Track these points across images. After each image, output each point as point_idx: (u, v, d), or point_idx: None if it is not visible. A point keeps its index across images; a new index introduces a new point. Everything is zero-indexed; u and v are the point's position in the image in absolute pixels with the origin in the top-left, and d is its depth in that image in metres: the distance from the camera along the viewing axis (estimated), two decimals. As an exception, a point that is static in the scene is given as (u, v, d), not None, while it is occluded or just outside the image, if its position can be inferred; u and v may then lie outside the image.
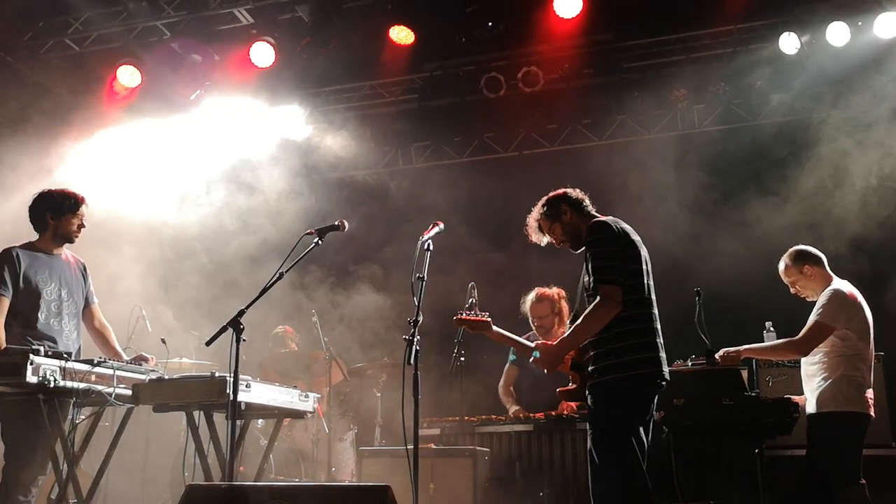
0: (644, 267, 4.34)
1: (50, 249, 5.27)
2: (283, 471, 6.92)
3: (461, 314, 4.89)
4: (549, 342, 4.53)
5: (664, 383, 4.28)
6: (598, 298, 4.21)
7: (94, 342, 5.54)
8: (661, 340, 4.32)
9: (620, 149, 8.91)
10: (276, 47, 8.04)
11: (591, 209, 4.63)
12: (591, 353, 4.32)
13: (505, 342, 5.03)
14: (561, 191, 4.69)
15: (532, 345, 4.65)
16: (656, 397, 4.32)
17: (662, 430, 5.29)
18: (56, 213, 5.24)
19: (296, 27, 8.00)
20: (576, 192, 4.66)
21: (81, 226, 5.32)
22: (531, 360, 4.55)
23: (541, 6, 7.67)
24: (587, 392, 4.36)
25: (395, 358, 7.35)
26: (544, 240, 4.74)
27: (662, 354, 4.30)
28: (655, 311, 4.36)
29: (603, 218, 4.47)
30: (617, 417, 4.19)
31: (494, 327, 4.90)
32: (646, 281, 4.33)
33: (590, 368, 4.32)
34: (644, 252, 4.40)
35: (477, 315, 4.87)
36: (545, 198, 4.71)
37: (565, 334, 4.42)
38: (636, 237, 4.42)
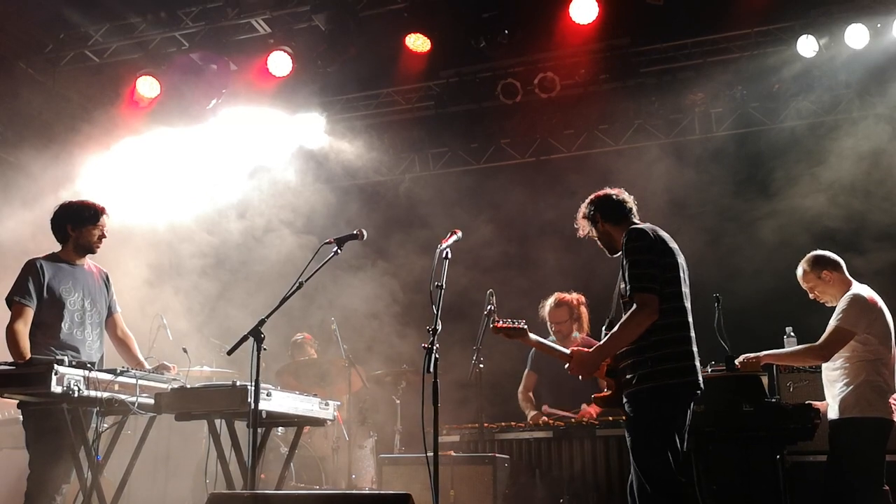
0: (681, 275, 4.35)
1: (72, 260, 5.33)
2: (304, 478, 6.94)
3: (499, 322, 4.87)
4: (586, 349, 4.51)
5: (699, 392, 4.28)
6: (634, 306, 4.20)
7: (116, 351, 5.58)
8: (696, 349, 4.32)
9: (638, 154, 8.89)
10: (293, 56, 8.08)
11: (632, 214, 4.60)
12: (629, 361, 4.30)
13: (541, 349, 4.99)
14: (602, 193, 4.68)
15: (568, 352, 4.62)
16: (692, 405, 4.30)
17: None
18: (76, 224, 5.30)
19: (313, 36, 8.04)
20: (617, 197, 4.63)
21: (102, 236, 5.36)
22: (567, 367, 4.54)
23: (557, 12, 7.66)
24: (624, 399, 4.33)
25: (414, 365, 7.36)
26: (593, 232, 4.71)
27: (697, 363, 4.30)
28: (691, 319, 4.35)
29: (641, 225, 4.47)
30: (655, 425, 4.16)
31: (531, 335, 4.88)
32: (682, 289, 4.34)
33: (627, 376, 4.31)
34: (681, 260, 4.41)
35: (513, 323, 4.86)
36: (589, 198, 4.70)
37: (601, 342, 4.42)
38: (674, 245, 4.42)
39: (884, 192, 7.83)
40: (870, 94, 8.09)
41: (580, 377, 4.48)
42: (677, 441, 4.15)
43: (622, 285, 4.37)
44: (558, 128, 9.16)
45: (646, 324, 4.18)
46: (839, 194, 7.86)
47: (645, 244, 4.29)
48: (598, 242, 4.69)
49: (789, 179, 8.25)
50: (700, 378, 4.27)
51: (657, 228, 4.46)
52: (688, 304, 4.36)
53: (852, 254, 6.08)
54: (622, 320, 4.25)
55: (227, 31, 8.19)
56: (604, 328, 4.49)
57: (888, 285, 5.90)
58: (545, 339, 6.82)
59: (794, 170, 8.28)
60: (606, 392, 4.54)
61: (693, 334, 4.33)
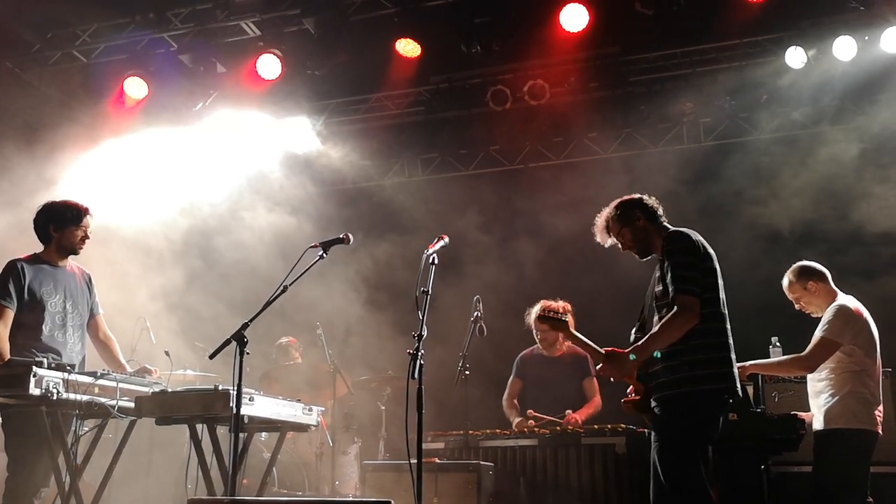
0: (719, 281, 4.30)
1: (55, 261, 5.27)
2: (286, 484, 6.89)
3: (546, 311, 4.85)
4: (620, 350, 4.33)
5: (733, 399, 4.23)
6: (675, 308, 4.12)
7: (98, 353, 5.52)
8: (734, 356, 4.27)
9: (626, 162, 8.90)
10: (282, 60, 8.05)
11: (664, 219, 4.56)
12: (663, 365, 4.21)
13: (578, 344, 4.79)
14: (637, 196, 4.63)
15: (603, 351, 4.43)
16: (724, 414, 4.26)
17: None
18: (59, 224, 5.23)
19: (302, 40, 8.01)
20: (651, 200, 4.60)
21: (85, 237, 5.30)
22: (598, 367, 4.44)
23: (547, 19, 7.65)
24: (654, 403, 4.27)
25: (399, 371, 7.32)
26: (609, 241, 4.65)
27: (735, 370, 4.25)
28: (729, 325, 4.30)
29: (682, 228, 4.41)
30: (686, 431, 4.11)
31: (571, 329, 4.75)
32: (720, 295, 4.29)
33: (660, 380, 4.23)
34: (718, 266, 4.35)
35: (556, 315, 4.77)
36: (618, 200, 4.64)
37: (638, 342, 4.29)
38: (711, 251, 4.36)
39: (870, 200, 7.84)
40: (857, 107, 8.12)
41: (611, 378, 4.37)
42: (709, 450, 4.09)
43: (658, 288, 4.30)
44: (547, 135, 9.15)
45: (686, 327, 4.11)
46: (826, 205, 7.89)
47: (688, 246, 4.25)
48: (628, 245, 4.57)
49: (775, 190, 8.27)
50: (737, 384, 4.20)
51: (696, 233, 4.40)
52: (725, 311, 4.31)
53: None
54: (663, 321, 4.16)
55: (216, 33, 8.15)
56: (633, 331, 4.38)
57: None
58: (531, 347, 6.87)
59: (779, 180, 8.29)
60: (634, 396, 4.44)
61: (731, 341, 4.27)
